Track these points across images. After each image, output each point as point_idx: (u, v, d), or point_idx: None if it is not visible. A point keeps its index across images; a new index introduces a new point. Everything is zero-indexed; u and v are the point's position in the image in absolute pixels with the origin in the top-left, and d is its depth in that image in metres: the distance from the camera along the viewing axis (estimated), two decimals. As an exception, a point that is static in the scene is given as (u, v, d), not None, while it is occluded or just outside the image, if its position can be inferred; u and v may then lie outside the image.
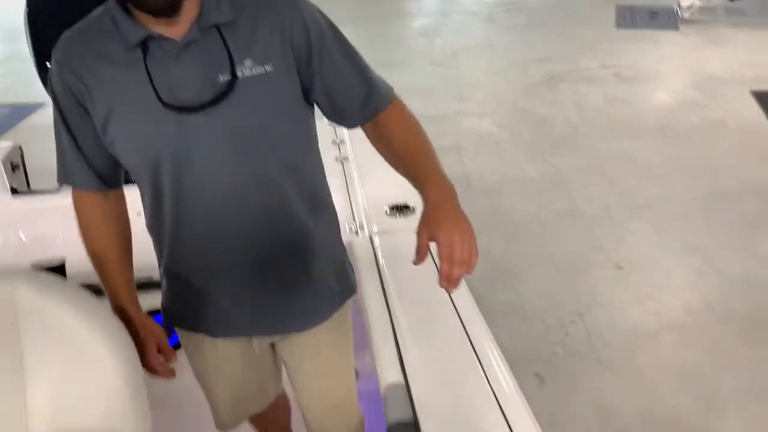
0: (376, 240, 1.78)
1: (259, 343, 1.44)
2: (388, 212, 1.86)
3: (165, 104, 1.10)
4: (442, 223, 1.07)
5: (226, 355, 1.46)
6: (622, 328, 2.88)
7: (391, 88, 1.26)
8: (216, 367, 1.49)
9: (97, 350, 1.17)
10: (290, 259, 1.31)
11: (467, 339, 1.55)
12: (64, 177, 1.26)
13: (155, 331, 1.37)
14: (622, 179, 4.02)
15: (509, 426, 1.28)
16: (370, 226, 1.84)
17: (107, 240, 1.31)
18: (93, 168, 1.22)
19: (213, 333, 1.40)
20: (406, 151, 1.19)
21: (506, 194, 3.95)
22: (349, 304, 1.49)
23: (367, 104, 1.23)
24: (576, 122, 4.85)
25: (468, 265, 1.07)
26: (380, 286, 1.63)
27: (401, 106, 1.26)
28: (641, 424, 2.41)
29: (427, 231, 1.08)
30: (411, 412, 1.26)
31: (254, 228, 1.24)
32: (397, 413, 1.27)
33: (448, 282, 1.07)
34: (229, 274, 1.30)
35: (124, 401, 1.19)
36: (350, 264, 1.49)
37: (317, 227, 1.32)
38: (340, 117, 1.26)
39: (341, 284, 1.43)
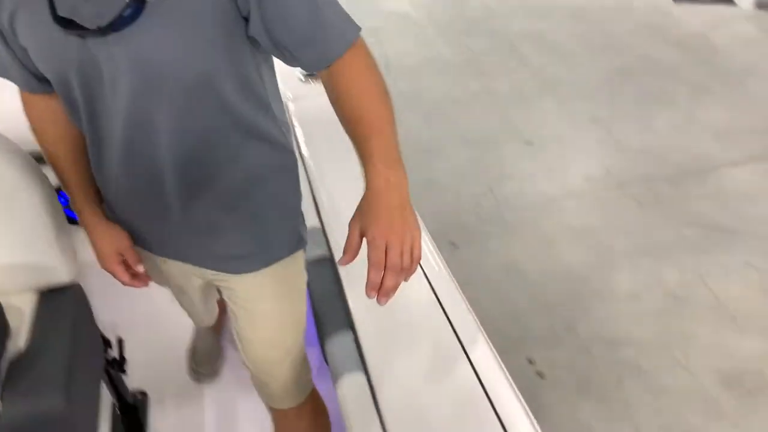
0: (291, 106, 1.83)
1: (195, 272, 1.32)
2: (302, 79, 1.91)
3: (59, 21, 0.93)
4: (379, 218, 0.90)
5: (166, 270, 1.37)
6: (528, 197, 3.09)
7: (355, 30, 1.02)
8: (159, 276, 1.43)
9: (15, 188, 1.19)
10: (213, 200, 1.16)
11: None
12: (3, 72, 1.13)
13: (115, 239, 1.26)
14: (533, 59, 4.14)
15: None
16: (285, 93, 1.88)
17: (59, 140, 1.19)
18: (28, 69, 1.08)
19: (150, 249, 1.30)
20: (358, 117, 0.98)
21: (423, 76, 4.01)
22: (300, 257, 1.33)
23: (316, 51, 1.00)
24: (490, 4, 4.90)
25: (405, 273, 0.92)
26: (296, 148, 1.70)
27: (362, 56, 1.02)
28: (543, 279, 2.65)
29: (359, 224, 0.92)
30: (327, 249, 1.38)
31: (175, 162, 1.09)
32: (314, 251, 1.38)
33: (377, 292, 0.91)
34: (150, 203, 1.17)
35: (47, 239, 1.22)
36: (302, 215, 1.32)
37: (252, 171, 1.16)
38: (286, 60, 1.04)
39: (283, 234, 1.28)
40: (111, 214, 1.26)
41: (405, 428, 1.19)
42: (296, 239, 1.29)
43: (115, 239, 1.26)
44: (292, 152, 1.23)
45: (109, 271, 1.29)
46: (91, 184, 1.24)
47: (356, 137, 0.97)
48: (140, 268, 1.30)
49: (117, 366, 1.47)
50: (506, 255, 2.77)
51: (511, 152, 3.38)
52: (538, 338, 2.41)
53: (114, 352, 1.47)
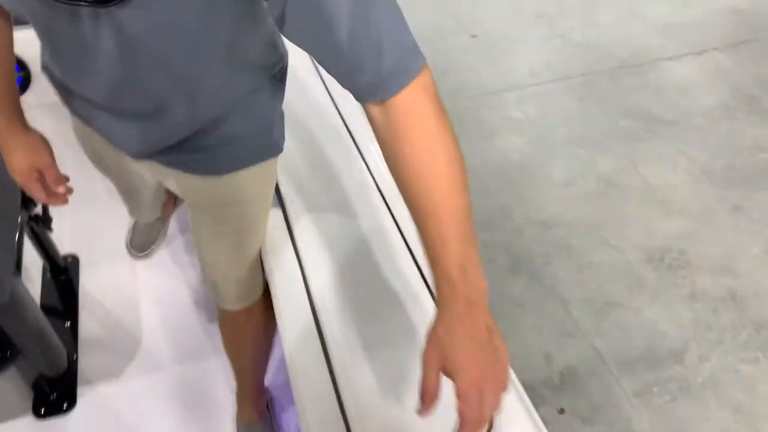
0: None
1: (156, 169, 1.14)
2: None
3: None
4: (467, 361, 0.73)
5: (104, 150, 1.20)
6: (471, 89, 3.09)
7: (419, 58, 0.80)
8: (93, 153, 1.27)
9: None
10: (199, 124, 1.01)
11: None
12: None
13: (33, 155, 1.14)
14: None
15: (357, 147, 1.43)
16: None
17: None
18: None
19: (87, 124, 1.13)
20: (426, 205, 0.78)
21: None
22: (273, 162, 1.17)
23: (360, 82, 0.79)
24: None
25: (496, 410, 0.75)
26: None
27: (427, 97, 0.79)
28: (482, 167, 2.69)
29: (437, 363, 0.74)
30: None
31: (166, 97, 0.94)
32: None
33: None
34: (125, 120, 1.01)
35: None
36: (282, 118, 1.15)
37: (245, 94, 1.02)
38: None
39: (259, 141, 1.12)
40: (48, 62, 1.06)
41: (318, 256, 1.22)
42: (272, 145, 1.15)
43: (33, 155, 1.14)
44: (283, 55, 1.06)
45: (21, 185, 1.17)
46: (10, 85, 1.08)
47: (424, 231, 0.78)
48: (60, 189, 1.19)
49: (42, 223, 1.46)
50: (447, 145, 2.79)
51: (455, 46, 3.36)
52: (474, 222, 2.46)
53: (39, 209, 1.46)
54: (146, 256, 1.99)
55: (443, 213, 0.77)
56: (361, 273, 1.20)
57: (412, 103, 0.78)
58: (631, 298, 2.21)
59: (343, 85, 0.83)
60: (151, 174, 1.18)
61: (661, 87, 3.11)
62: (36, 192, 1.17)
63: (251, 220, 1.23)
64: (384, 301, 1.15)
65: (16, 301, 1.17)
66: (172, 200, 1.96)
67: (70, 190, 1.22)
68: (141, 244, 1.99)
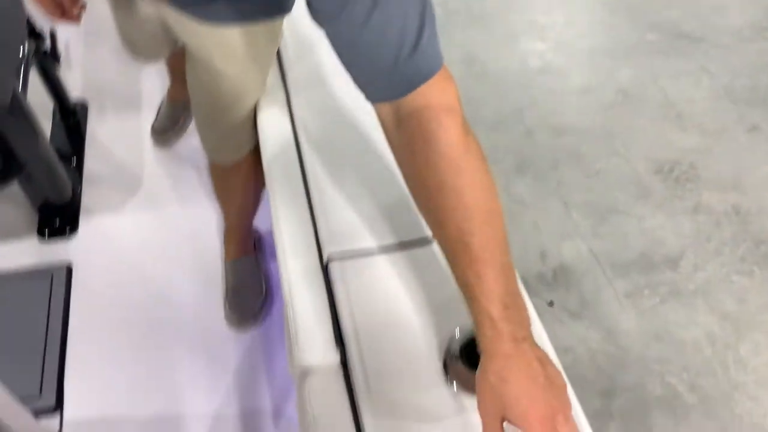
0: None
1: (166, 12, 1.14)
2: None
3: None
4: (528, 406, 0.67)
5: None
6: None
7: (438, 58, 0.74)
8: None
9: None
10: None
11: None
12: None
13: None
14: None
15: None
16: None
17: None
18: None
19: None
20: (451, 235, 0.71)
21: None
22: (279, 23, 1.15)
23: (373, 82, 0.74)
24: None
25: None
26: None
27: (441, 113, 0.72)
28: (501, 70, 2.67)
29: (497, 414, 0.69)
30: None
31: None
32: None
33: None
34: None
35: None
36: None
37: None
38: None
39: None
40: None
41: (312, 116, 1.22)
42: (282, 4, 1.07)
43: None
44: None
45: (37, 5, 1.19)
46: None
47: (456, 267, 0.72)
48: (75, 11, 1.21)
49: (51, 58, 1.48)
50: (469, 45, 2.76)
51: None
52: (486, 122, 2.47)
53: (47, 45, 1.48)
54: (163, 142, 2.01)
55: (478, 249, 0.69)
56: (354, 136, 1.20)
57: (427, 110, 0.70)
58: (635, 207, 2.22)
59: (353, 80, 0.77)
60: (158, 14, 1.17)
61: (695, 3, 3.01)
62: (52, 9, 1.19)
63: (249, 77, 1.22)
64: (373, 168, 1.15)
65: (18, 109, 1.21)
66: None
67: (83, 6, 1.23)
68: (161, 127, 2.02)
